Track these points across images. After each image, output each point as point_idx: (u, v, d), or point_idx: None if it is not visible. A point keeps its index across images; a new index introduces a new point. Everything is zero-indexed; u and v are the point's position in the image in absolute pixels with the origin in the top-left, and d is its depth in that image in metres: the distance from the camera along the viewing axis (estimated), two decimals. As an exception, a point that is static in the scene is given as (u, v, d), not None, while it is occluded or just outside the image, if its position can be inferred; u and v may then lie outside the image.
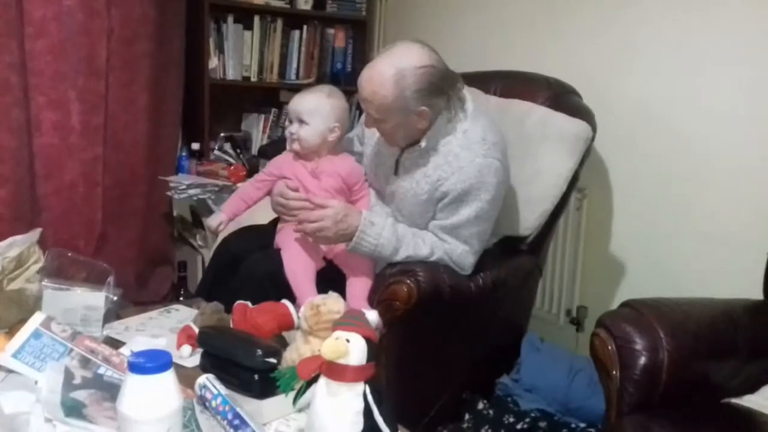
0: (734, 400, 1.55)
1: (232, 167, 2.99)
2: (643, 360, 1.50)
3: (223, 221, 2.01)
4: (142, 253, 3.04)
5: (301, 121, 1.94)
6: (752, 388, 1.57)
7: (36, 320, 1.28)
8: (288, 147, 2.02)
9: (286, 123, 2.04)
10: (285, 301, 1.56)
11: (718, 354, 1.59)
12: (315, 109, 1.93)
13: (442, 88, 1.77)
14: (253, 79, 3.28)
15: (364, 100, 1.79)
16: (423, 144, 1.82)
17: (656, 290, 1.98)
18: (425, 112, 1.76)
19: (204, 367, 1.36)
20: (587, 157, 2.15)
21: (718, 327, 1.62)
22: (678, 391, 1.52)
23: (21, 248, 1.45)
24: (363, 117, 1.90)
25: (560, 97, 2.21)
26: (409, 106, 1.75)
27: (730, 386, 1.58)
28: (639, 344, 1.51)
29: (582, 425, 1.97)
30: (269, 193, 2.01)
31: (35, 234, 1.51)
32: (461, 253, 1.85)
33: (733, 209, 2.07)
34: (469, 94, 1.90)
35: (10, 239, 1.47)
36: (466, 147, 1.80)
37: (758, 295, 1.78)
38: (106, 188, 2.86)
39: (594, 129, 2.12)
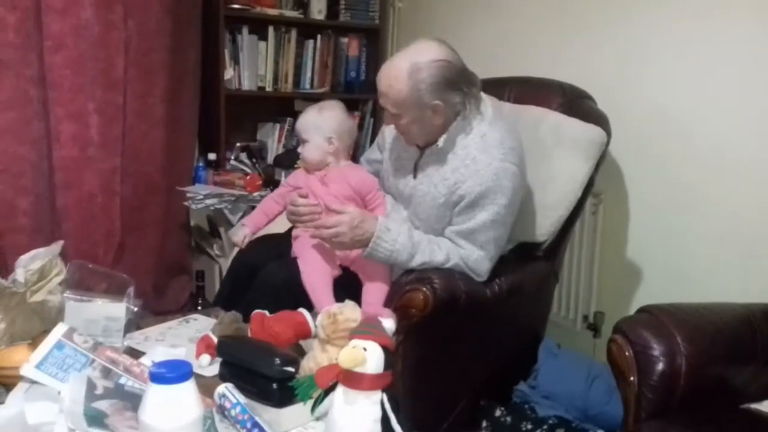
0: (753, 406, 1.54)
1: (248, 177, 3.01)
2: (660, 366, 1.50)
3: (246, 235, 2.11)
4: (160, 262, 3.07)
5: (302, 140, 2.05)
6: (771, 394, 1.56)
7: (58, 331, 1.30)
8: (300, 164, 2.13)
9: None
10: (302, 310, 1.57)
11: (737, 359, 1.58)
12: (309, 126, 2.04)
13: (456, 83, 1.80)
14: (268, 89, 3.30)
15: (381, 95, 1.83)
16: (440, 144, 1.84)
17: (674, 295, 1.96)
18: (439, 106, 1.79)
19: (223, 376, 1.37)
20: (602, 162, 2.15)
21: (736, 332, 1.61)
22: (696, 396, 1.51)
23: (43, 261, 1.47)
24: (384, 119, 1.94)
25: (574, 102, 2.21)
26: (424, 100, 1.77)
27: (748, 391, 1.57)
28: (657, 350, 1.51)
29: (600, 431, 1.97)
30: None
31: (57, 246, 1.54)
32: (477, 259, 1.85)
33: (750, 212, 2.06)
34: (490, 99, 1.92)
35: (33, 252, 1.50)
36: (484, 150, 1.81)
37: (777, 299, 1.77)
38: (125, 198, 2.90)
39: (609, 134, 2.12)
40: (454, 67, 1.79)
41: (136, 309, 1.54)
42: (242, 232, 2.11)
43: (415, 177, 1.95)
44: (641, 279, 2.40)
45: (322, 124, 2.02)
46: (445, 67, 1.77)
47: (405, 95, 1.77)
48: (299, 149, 2.07)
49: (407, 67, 1.76)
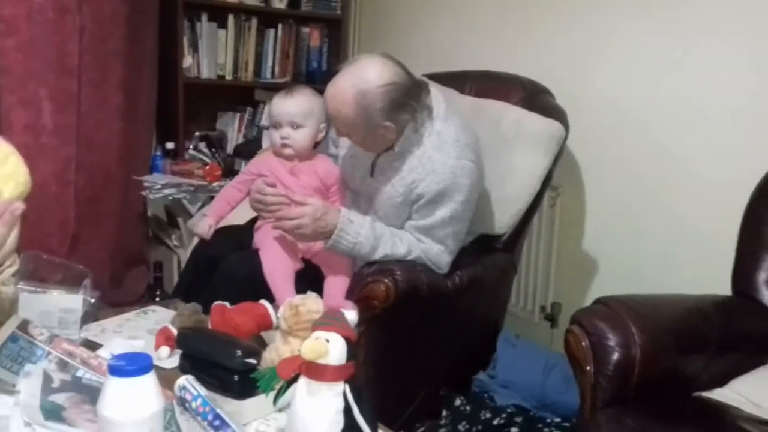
0: (705, 394, 1.58)
1: (207, 167, 2.97)
2: (616, 355, 1.53)
3: (211, 225, 2.04)
4: (116, 253, 3.02)
5: (295, 125, 1.93)
6: (722, 382, 1.61)
7: (12, 324, 1.26)
8: (276, 153, 2.00)
9: (270, 128, 2.00)
10: (264, 302, 1.56)
11: (689, 349, 1.62)
12: (309, 111, 1.94)
13: (405, 102, 1.78)
14: (228, 77, 3.27)
15: (330, 117, 1.82)
16: (397, 149, 1.84)
17: (629, 287, 2.01)
18: (390, 127, 1.78)
19: (183, 369, 1.35)
20: (560, 156, 2.18)
21: (688, 322, 1.66)
22: (650, 385, 1.55)
23: (-5, 251, 1.43)
24: None
25: (534, 97, 2.24)
26: (373, 123, 1.76)
27: (700, 380, 1.61)
28: (612, 340, 1.54)
29: (557, 420, 2.00)
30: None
31: (10, 236, 1.49)
32: (437, 253, 1.87)
33: (702, 207, 2.12)
34: (441, 94, 1.92)
35: (-16, 242, 1.45)
36: (439, 149, 1.82)
37: (727, 291, 1.83)
38: (79, 188, 2.83)
39: (567, 128, 2.15)
40: (400, 88, 1.76)
41: (93, 300, 1.50)
42: (206, 223, 2.04)
43: (372, 175, 1.94)
44: (597, 271, 2.45)
45: (320, 112, 1.94)
46: (392, 91, 1.74)
47: (353, 120, 1.76)
48: (283, 133, 1.93)
49: (353, 94, 1.73)
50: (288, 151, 1.96)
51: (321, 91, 1.97)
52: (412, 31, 3.12)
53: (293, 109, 1.94)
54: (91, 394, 1.12)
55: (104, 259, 2.95)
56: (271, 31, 3.35)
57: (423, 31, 3.07)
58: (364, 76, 1.74)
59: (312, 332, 1.10)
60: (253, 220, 2.07)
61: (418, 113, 1.82)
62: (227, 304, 1.57)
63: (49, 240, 2.77)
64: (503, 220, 2.11)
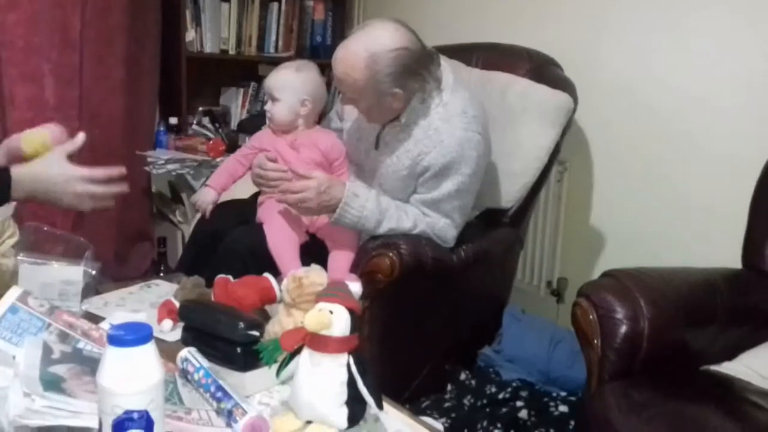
0: (713, 368, 1.58)
1: (211, 142, 2.95)
2: (624, 329, 1.51)
3: (214, 200, 2.03)
4: (120, 229, 3.01)
5: (274, 98, 1.95)
6: (730, 356, 1.60)
7: (12, 295, 1.25)
8: (267, 124, 2.03)
9: (266, 100, 2.04)
10: (267, 275, 1.55)
11: (698, 322, 1.60)
12: (284, 85, 1.94)
13: (416, 70, 1.75)
14: (231, 52, 3.23)
15: (338, 80, 1.78)
16: (403, 120, 1.81)
17: (636, 262, 1.98)
18: (398, 93, 1.75)
19: (185, 341, 1.34)
20: (568, 129, 2.15)
21: (697, 295, 1.64)
22: (658, 358, 1.54)
23: (-5, 223, 1.42)
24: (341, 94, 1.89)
25: (541, 68, 2.21)
26: (383, 88, 1.73)
27: (708, 353, 1.60)
28: (620, 313, 1.53)
29: (563, 394, 1.99)
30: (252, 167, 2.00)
31: (10, 208, 1.48)
32: (443, 227, 1.85)
33: (711, 180, 2.09)
34: (449, 66, 1.89)
35: (-17, 214, 1.44)
36: (446, 120, 1.79)
37: (737, 264, 1.80)
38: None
39: (575, 101, 2.12)
40: (413, 54, 1.73)
41: (94, 272, 1.49)
42: (210, 197, 2.02)
43: (376, 148, 1.92)
44: (604, 246, 2.43)
45: (299, 86, 1.94)
46: (404, 56, 1.71)
47: (362, 85, 1.73)
48: (267, 106, 1.99)
49: (364, 57, 1.69)
50: (271, 123, 1.99)
51: (325, 66, 1.97)
52: (417, 4, 3.07)
53: (271, 83, 1.98)
54: (91, 365, 1.11)
55: (109, 235, 2.95)
56: (275, 5, 3.30)
57: (428, 4, 3.02)
58: (376, 40, 1.71)
59: (315, 304, 1.09)
60: (256, 195, 2.05)
61: (427, 83, 1.79)
62: (230, 277, 1.55)
63: (53, 216, 2.75)
64: (510, 194, 2.09)
